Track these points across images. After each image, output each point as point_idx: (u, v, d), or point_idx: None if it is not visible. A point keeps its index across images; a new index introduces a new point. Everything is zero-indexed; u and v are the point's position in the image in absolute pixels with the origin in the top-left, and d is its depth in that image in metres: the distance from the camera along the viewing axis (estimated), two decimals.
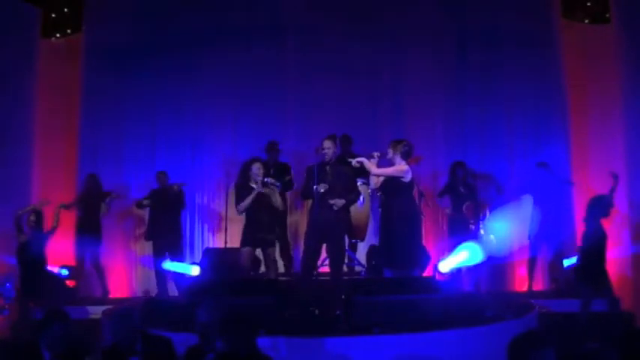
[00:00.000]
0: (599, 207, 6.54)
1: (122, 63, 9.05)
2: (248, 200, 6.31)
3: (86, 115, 9.01)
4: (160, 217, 8.02)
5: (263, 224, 6.39)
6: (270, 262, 6.54)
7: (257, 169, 6.39)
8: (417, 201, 6.73)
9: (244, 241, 6.38)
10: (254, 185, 6.36)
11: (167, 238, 7.95)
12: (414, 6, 9.00)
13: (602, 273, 6.47)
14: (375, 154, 6.30)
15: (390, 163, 6.26)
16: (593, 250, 6.44)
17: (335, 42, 8.86)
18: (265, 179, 6.36)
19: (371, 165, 6.14)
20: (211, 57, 9.03)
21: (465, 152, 8.69)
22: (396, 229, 6.06)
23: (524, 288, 8.10)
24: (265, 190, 6.34)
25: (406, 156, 6.22)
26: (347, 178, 6.01)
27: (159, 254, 7.93)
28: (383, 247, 6.25)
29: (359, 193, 6.42)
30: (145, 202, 8.08)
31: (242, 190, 6.43)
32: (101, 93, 9.03)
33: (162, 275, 7.94)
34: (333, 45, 8.86)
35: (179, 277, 7.70)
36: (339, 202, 5.88)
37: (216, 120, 9.11)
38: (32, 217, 7.15)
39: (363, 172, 7.49)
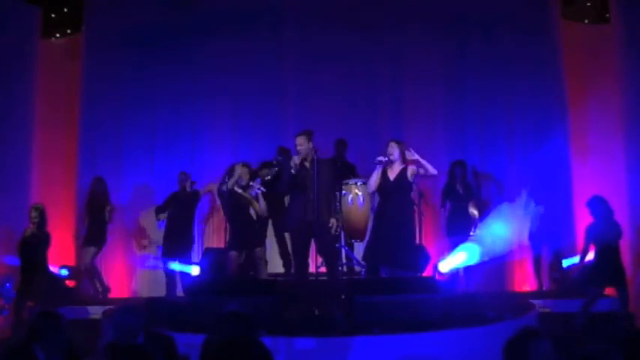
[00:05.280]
0: (605, 205, 6.53)
1: (122, 59, 9.11)
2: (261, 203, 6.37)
3: (86, 112, 9.04)
4: (175, 218, 8.01)
5: (246, 227, 6.46)
6: (259, 262, 6.58)
7: (239, 174, 6.48)
8: (416, 201, 6.78)
9: (230, 246, 6.43)
10: (238, 190, 6.45)
11: (179, 240, 7.95)
12: None
13: (620, 268, 6.46)
14: (383, 158, 6.30)
15: (390, 162, 6.35)
16: (608, 246, 6.41)
17: (334, 32, 8.87)
18: (251, 183, 6.44)
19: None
20: (210, 50, 9.04)
21: (464, 151, 8.71)
22: (411, 230, 6.26)
23: (527, 287, 8.12)
24: (245, 194, 6.42)
25: (403, 156, 6.39)
26: (328, 176, 5.94)
27: (169, 255, 7.95)
28: (398, 248, 6.21)
29: (339, 189, 6.37)
30: (162, 215, 8.03)
31: (224, 194, 6.49)
32: (101, 90, 9.07)
33: (171, 276, 7.95)
34: (332, 35, 8.87)
35: (185, 277, 7.70)
36: (334, 223, 5.85)
37: (215, 116, 9.12)
38: (34, 214, 7.11)
39: (353, 172, 7.53)
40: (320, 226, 5.75)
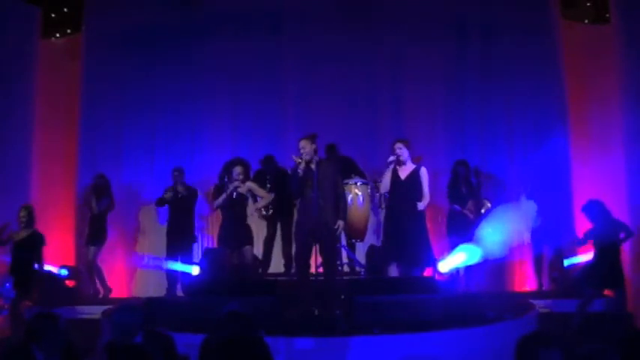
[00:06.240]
0: (601, 207, 6.50)
1: (121, 59, 9.12)
2: (221, 199, 6.50)
3: (86, 112, 9.06)
4: (175, 217, 8.01)
5: (238, 224, 6.49)
6: (247, 262, 6.61)
7: (237, 173, 6.52)
8: None
9: (220, 241, 6.47)
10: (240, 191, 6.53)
11: (180, 239, 7.95)
12: None
13: (619, 270, 6.44)
14: (393, 158, 6.35)
15: (400, 161, 6.39)
16: (607, 248, 6.40)
17: (334, 32, 8.87)
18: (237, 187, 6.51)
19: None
20: (210, 50, 9.07)
21: (464, 151, 8.71)
22: (424, 229, 6.29)
23: (527, 287, 8.11)
24: (240, 189, 6.46)
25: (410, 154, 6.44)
26: (333, 175, 5.95)
27: (171, 254, 7.94)
28: (411, 246, 6.23)
29: (344, 190, 6.36)
30: (167, 195, 7.91)
31: (220, 190, 6.54)
32: (101, 90, 9.09)
33: (172, 275, 7.95)
34: (331, 35, 8.86)
35: (186, 277, 7.70)
36: (341, 225, 5.87)
37: (215, 116, 9.13)
38: (23, 213, 7.10)
39: (354, 171, 7.53)
40: (324, 226, 5.77)
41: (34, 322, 3.60)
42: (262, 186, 7.22)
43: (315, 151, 5.91)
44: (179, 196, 7.93)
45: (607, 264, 6.35)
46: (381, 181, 6.56)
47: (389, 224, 6.41)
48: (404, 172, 6.38)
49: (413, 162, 6.46)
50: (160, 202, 8.05)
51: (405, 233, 6.22)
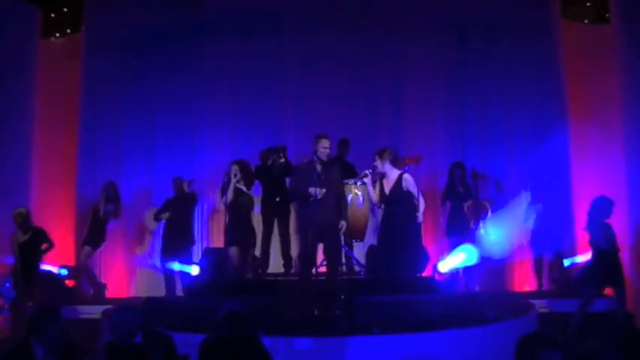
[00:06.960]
0: (603, 209, 6.48)
1: (121, 59, 9.13)
2: (228, 195, 6.64)
3: (86, 112, 9.07)
4: (173, 219, 7.97)
5: (244, 225, 6.52)
6: (248, 263, 6.66)
7: (233, 172, 6.72)
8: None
9: (231, 242, 6.48)
10: (242, 187, 6.58)
11: (178, 240, 7.92)
12: None
13: (619, 269, 6.43)
14: (367, 172, 6.36)
15: (381, 174, 6.37)
16: (606, 249, 6.38)
17: (334, 33, 8.87)
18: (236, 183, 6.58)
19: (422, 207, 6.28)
20: (210, 51, 9.08)
21: (464, 151, 8.72)
22: (415, 238, 6.25)
23: (527, 287, 8.11)
24: (240, 185, 6.51)
25: (395, 162, 6.31)
26: (336, 176, 5.98)
27: (167, 255, 7.93)
28: (400, 258, 6.20)
29: (344, 190, 6.36)
30: (164, 215, 7.93)
31: (224, 189, 6.69)
32: (101, 90, 9.10)
33: (170, 276, 7.93)
34: (331, 36, 8.86)
35: (185, 277, 7.69)
36: (344, 225, 5.88)
37: (215, 116, 9.12)
38: (18, 220, 7.10)
39: (352, 172, 7.54)
40: (328, 226, 5.77)
41: (35, 315, 3.60)
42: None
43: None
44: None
45: (606, 264, 6.35)
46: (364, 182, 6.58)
47: (382, 232, 6.42)
48: (388, 185, 6.35)
49: (398, 167, 6.37)
50: (158, 217, 8.08)
51: (395, 245, 6.18)
